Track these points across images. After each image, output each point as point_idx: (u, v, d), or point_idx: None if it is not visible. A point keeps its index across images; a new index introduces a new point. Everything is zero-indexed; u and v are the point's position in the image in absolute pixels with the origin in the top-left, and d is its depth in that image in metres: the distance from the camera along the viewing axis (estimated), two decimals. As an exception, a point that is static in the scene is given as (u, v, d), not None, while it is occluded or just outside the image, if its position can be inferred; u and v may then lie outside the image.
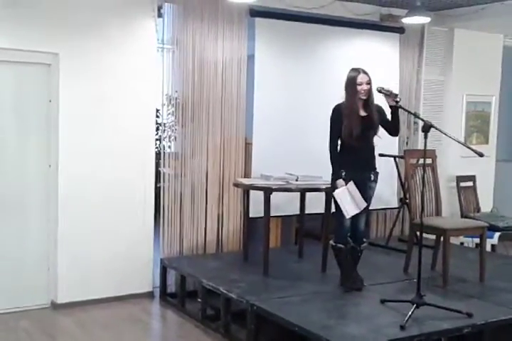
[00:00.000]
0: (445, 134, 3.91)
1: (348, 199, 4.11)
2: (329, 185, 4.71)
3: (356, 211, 4.13)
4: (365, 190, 4.23)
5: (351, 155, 4.18)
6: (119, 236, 4.85)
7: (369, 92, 4.16)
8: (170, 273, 5.03)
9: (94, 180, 4.73)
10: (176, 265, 4.93)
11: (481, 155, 3.76)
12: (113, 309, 4.68)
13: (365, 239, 4.39)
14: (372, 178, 4.26)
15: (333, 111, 4.22)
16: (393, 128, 4.24)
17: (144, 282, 4.99)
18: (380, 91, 4.04)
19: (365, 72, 4.16)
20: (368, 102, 4.18)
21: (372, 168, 4.29)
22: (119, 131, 4.83)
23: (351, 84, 4.15)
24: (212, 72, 5.23)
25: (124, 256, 4.87)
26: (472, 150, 3.80)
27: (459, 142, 3.86)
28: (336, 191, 4.15)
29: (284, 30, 5.51)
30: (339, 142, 4.23)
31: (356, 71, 4.17)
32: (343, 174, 4.15)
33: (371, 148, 4.27)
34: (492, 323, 3.69)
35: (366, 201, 4.22)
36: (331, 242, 4.38)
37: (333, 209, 4.40)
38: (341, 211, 4.20)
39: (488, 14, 5.81)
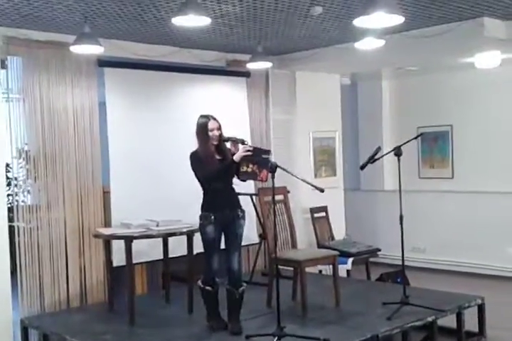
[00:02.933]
0: (289, 173, 4.21)
1: None
2: (189, 228, 4.86)
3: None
4: (235, 229, 4.37)
5: (216, 197, 4.31)
6: (-27, 300, 4.60)
7: (220, 137, 4.37)
8: (32, 333, 4.81)
9: None
10: (37, 324, 4.74)
11: (321, 190, 4.08)
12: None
13: (243, 283, 4.42)
14: (240, 216, 4.40)
15: (192, 157, 4.33)
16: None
17: (4, 345, 4.75)
18: (227, 140, 4.28)
19: (214, 119, 4.36)
20: (219, 147, 4.39)
21: (238, 205, 4.44)
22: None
23: (202, 130, 4.33)
24: (63, 121, 5.20)
25: (-20, 320, 4.62)
26: (313, 186, 4.13)
27: (301, 179, 4.17)
28: None
29: (133, 79, 5.64)
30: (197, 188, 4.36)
31: (206, 117, 4.36)
32: (212, 218, 4.27)
33: (232, 188, 4.44)
34: (348, 346, 3.97)
35: (237, 239, 4.37)
36: (199, 283, 4.46)
37: (201, 250, 4.46)
38: (208, 253, 4.32)
39: (323, 57, 6.35)
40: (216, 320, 4.42)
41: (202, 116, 4.39)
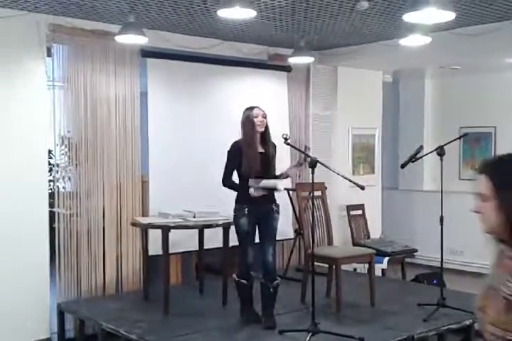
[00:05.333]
0: (330, 169, 4.17)
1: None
2: (226, 220, 4.86)
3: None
4: (271, 222, 4.37)
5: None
6: (12, 282, 4.68)
7: (266, 125, 4.36)
8: (68, 318, 4.90)
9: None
10: (73, 309, 4.81)
11: (362, 188, 4.02)
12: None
13: (277, 278, 4.40)
14: (274, 209, 4.40)
15: (232, 146, 4.35)
16: None
17: (41, 328, 4.82)
18: (287, 144, 4.23)
19: (260, 108, 4.38)
20: (265, 136, 4.37)
21: (273, 200, 4.43)
22: (10, 173, 4.70)
23: (248, 119, 4.33)
24: (105, 110, 5.25)
25: (19, 302, 4.70)
26: (353, 183, 4.07)
27: (341, 176, 4.12)
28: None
29: (175, 70, 5.66)
30: (236, 177, 4.37)
31: (252, 108, 4.38)
32: (246, 210, 4.27)
33: None
34: (382, 346, 3.92)
35: (271, 232, 4.37)
36: (234, 276, 4.47)
37: (237, 243, 4.46)
38: (243, 246, 4.32)
39: (366, 53, 6.26)
40: (250, 314, 4.42)
41: (248, 108, 4.41)
